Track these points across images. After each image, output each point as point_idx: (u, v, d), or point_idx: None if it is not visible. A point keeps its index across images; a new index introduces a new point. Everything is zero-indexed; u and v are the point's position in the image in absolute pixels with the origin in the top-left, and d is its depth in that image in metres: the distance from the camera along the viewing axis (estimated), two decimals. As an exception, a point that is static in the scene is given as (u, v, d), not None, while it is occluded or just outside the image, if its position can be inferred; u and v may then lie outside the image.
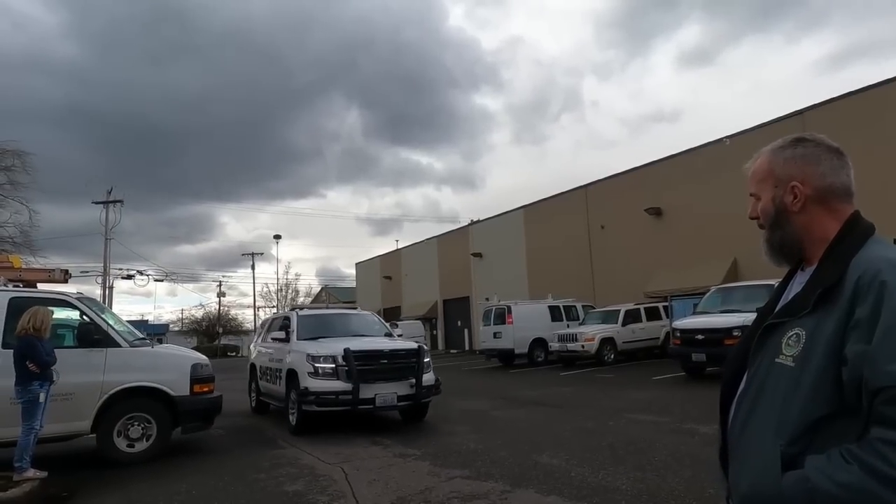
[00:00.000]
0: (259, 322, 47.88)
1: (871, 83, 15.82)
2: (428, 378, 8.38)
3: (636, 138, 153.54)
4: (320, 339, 8.63)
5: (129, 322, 9.76)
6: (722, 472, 1.29)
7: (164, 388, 6.84)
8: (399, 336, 10.57)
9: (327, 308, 11.40)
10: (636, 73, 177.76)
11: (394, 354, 8.31)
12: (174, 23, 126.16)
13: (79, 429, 6.52)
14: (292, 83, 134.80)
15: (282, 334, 9.18)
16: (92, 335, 6.58)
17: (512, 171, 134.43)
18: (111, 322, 7.09)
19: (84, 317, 6.74)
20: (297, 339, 8.81)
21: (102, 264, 33.03)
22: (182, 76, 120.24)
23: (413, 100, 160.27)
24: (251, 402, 10.96)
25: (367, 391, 7.74)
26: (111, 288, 34.32)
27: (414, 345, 8.78)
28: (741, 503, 1.13)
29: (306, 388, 7.82)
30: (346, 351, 7.84)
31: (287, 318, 9.79)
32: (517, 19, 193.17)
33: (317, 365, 7.87)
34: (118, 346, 6.75)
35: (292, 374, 8.32)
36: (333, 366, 7.83)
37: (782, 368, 1.11)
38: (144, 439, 6.76)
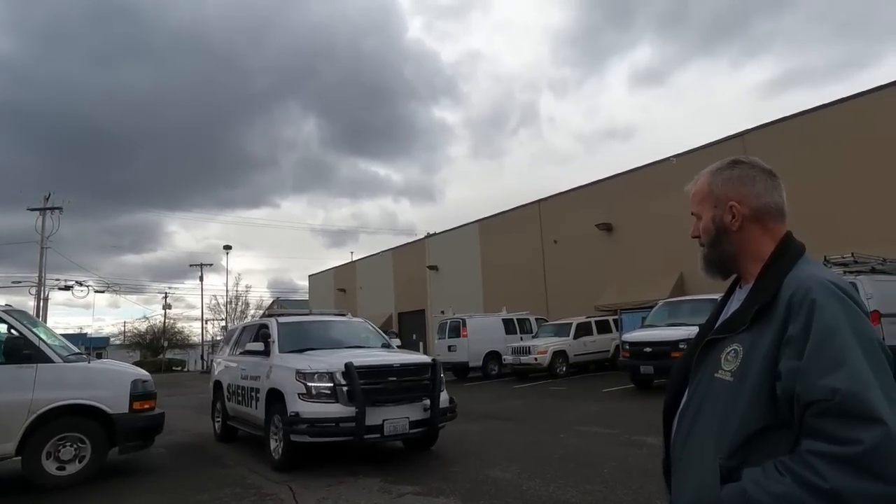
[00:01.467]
0: (217, 332, 46.29)
1: (806, 108, 16.86)
2: (443, 398, 7.16)
3: (591, 154, 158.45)
4: (308, 352, 7.31)
5: (66, 335, 9.26)
6: (665, 484, 1.31)
7: (101, 406, 6.46)
8: (398, 347, 8.83)
9: (311, 314, 9.57)
10: (591, 90, 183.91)
11: (404, 370, 6.93)
12: (123, 20, 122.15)
13: (2, 452, 6.08)
14: (248, 89, 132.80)
15: (259, 346, 7.80)
16: (20, 350, 6.17)
17: (470, 184, 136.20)
18: (43, 336, 6.68)
19: (12, 330, 6.33)
20: (280, 352, 7.47)
21: (37, 274, 31.26)
22: (131, 77, 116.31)
23: (372, 110, 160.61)
24: (215, 428, 9.45)
25: (373, 416, 6.39)
26: (46, 299, 32.56)
27: (427, 358, 7.47)
28: None
29: (296, 414, 6.39)
30: (349, 366, 6.45)
31: (264, 326, 8.35)
32: (476, 34, 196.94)
33: (310, 384, 6.47)
34: (50, 361, 6.35)
35: (275, 395, 6.93)
36: (331, 385, 6.45)
37: (721, 383, 1.14)
38: (77, 461, 6.35)
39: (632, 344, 12.63)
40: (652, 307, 14.36)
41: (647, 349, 12.07)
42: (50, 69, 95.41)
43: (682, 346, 11.26)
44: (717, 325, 1.26)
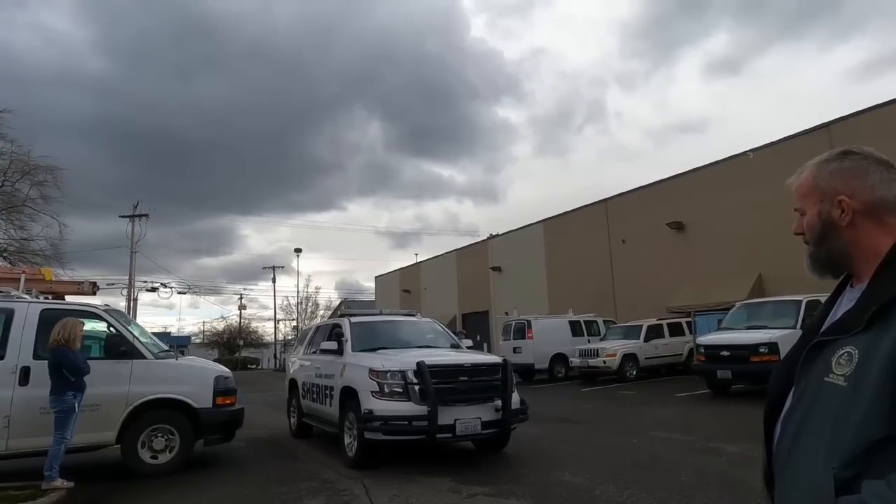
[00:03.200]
0: (289, 332, 48.06)
1: (900, 95, 15.51)
2: (515, 399, 7.09)
3: (661, 150, 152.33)
4: (380, 351, 7.45)
5: (153, 334, 9.89)
6: (767, 494, 1.25)
7: (188, 400, 6.89)
8: (468, 347, 8.98)
9: (381, 314, 9.74)
10: (661, 83, 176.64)
11: (475, 370, 6.93)
12: (200, 36, 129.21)
13: (105, 439, 6.60)
14: (315, 95, 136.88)
15: (332, 345, 7.98)
16: (118, 347, 6.69)
17: (534, 183, 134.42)
18: (137, 334, 7.20)
19: (111, 329, 6.85)
20: (353, 351, 7.62)
21: (128, 277, 33.68)
22: (207, 89, 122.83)
23: (435, 111, 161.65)
24: (290, 424, 9.79)
25: (445, 416, 6.40)
26: (136, 300, 34.96)
27: (498, 358, 7.46)
28: None
29: (370, 411, 6.48)
30: (420, 365, 6.50)
31: (338, 326, 8.53)
32: (540, 29, 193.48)
33: (383, 382, 6.57)
34: (143, 357, 6.84)
35: (349, 393, 7.09)
36: (403, 383, 6.52)
37: (833, 388, 1.07)
38: (168, 451, 6.80)
39: (707, 347, 12.10)
40: (728, 309, 13.71)
41: (725, 353, 11.52)
42: (134, 84, 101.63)
43: (762, 350, 10.71)
44: (825, 327, 1.19)
